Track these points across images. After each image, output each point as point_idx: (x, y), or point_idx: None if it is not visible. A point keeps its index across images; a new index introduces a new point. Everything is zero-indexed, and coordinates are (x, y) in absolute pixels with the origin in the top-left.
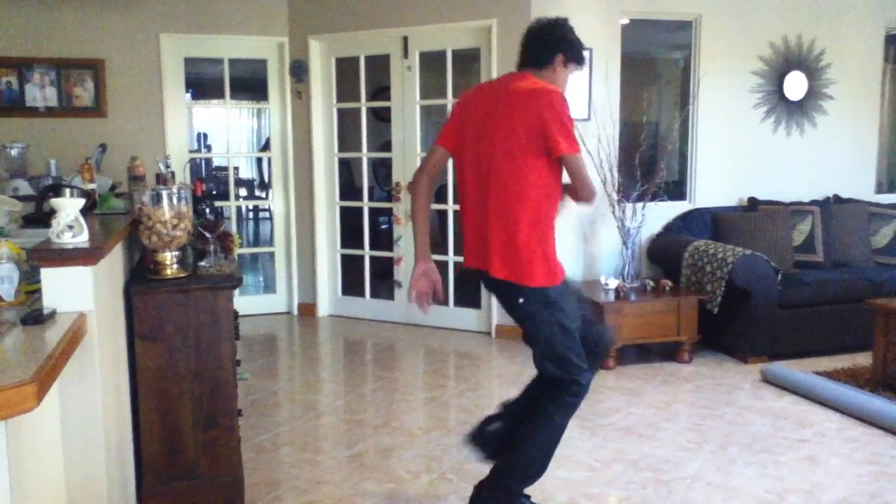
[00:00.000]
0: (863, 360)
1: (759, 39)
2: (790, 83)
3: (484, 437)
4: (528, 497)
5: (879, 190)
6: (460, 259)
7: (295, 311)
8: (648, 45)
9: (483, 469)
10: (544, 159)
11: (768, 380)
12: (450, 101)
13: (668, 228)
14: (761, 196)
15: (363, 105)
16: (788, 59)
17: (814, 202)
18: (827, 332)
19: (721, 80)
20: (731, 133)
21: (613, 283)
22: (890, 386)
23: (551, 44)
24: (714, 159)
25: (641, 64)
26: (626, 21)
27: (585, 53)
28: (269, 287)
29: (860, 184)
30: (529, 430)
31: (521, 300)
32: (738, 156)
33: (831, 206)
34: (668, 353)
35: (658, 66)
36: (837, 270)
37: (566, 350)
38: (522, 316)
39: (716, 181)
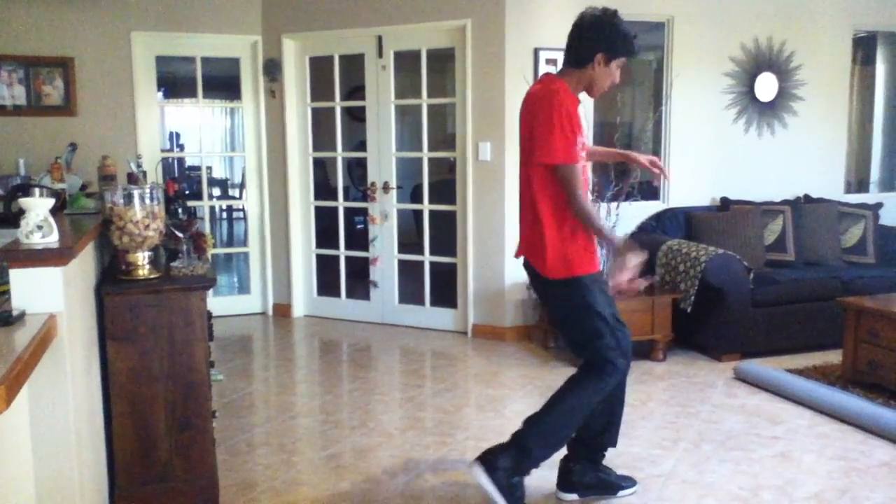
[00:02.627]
0: (833, 357)
1: (731, 41)
2: (761, 84)
3: (571, 476)
4: (522, 479)
5: (848, 190)
6: (435, 259)
7: (270, 312)
8: None
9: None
10: (549, 172)
11: (741, 377)
12: (425, 100)
13: (642, 228)
14: (733, 196)
15: (337, 104)
16: (759, 61)
17: (785, 202)
18: (798, 330)
19: (693, 81)
20: (704, 134)
21: None
22: (859, 383)
23: (590, 41)
24: (687, 160)
25: None
26: None
27: (561, 54)
28: (244, 287)
29: (830, 184)
30: (559, 397)
31: (552, 291)
32: (710, 156)
33: (802, 206)
34: (642, 351)
35: (631, 67)
36: (808, 269)
37: (600, 333)
38: (555, 304)
39: (689, 181)
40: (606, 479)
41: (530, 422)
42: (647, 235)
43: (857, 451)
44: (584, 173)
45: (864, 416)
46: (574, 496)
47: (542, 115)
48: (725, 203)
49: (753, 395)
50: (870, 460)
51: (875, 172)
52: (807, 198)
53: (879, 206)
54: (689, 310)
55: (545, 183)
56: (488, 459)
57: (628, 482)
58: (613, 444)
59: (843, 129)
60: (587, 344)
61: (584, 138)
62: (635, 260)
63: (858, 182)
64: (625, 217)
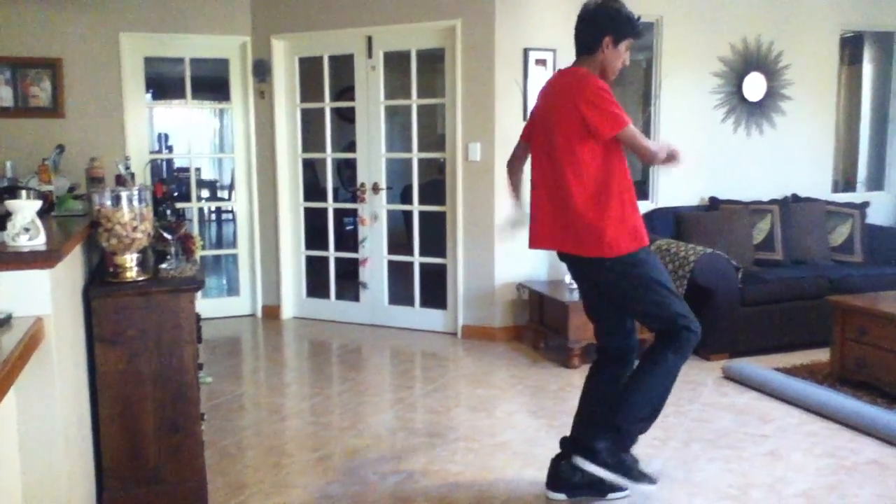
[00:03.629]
0: (821, 355)
1: (720, 41)
2: (749, 84)
3: (561, 476)
4: (636, 460)
5: (836, 189)
6: (425, 260)
7: (259, 314)
8: None
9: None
10: (592, 142)
11: (730, 376)
12: (414, 101)
13: None
14: (722, 195)
15: (327, 105)
16: (748, 61)
17: (773, 201)
18: (787, 329)
19: (682, 81)
20: (693, 133)
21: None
22: (847, 381)
23: (596, 27)
24: None
25: None
26: None
27: (550, 54)
28: (233, 289)
29: (817, 183)
30: (645, 373)
31: (607, 271)
32: (699, 156)
33: (790, 205)
34: None
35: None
36: (796, 268)
37: (667, 303)
38: (612, 285)
39: (678, 181)
40: (594, 479)
41: (618, 402)
42: None
43: (845, 448)
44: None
45: (852, 415)
46: (562, 496)
47: (584, 95)
48: (714, 202)
49: (742, 394)
50: (858, 458)
51: (862, 172)
52: (795, 197)
53: (866, 205)
54: None
55: (595, 160)
56: (585, 447)
57: (620, 484)
58: (644, 431)
59: (831, 128)
60: (660, 315)
61: None
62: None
63: (846, 181)
64: None
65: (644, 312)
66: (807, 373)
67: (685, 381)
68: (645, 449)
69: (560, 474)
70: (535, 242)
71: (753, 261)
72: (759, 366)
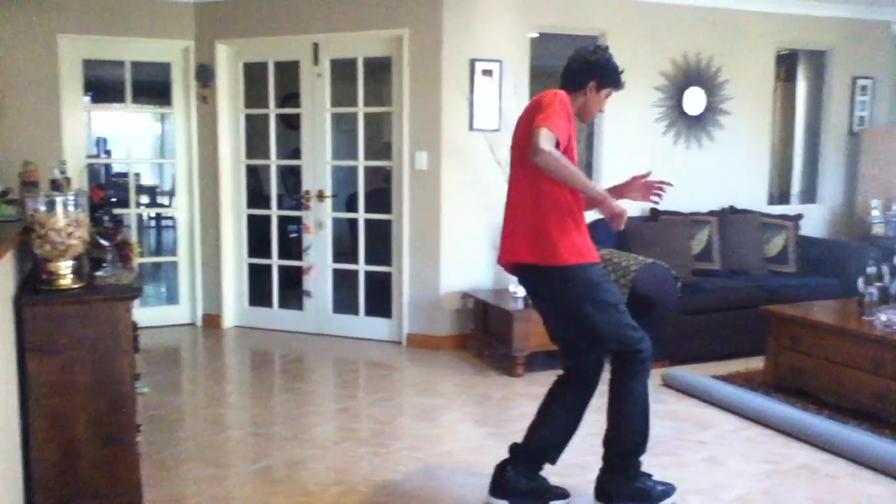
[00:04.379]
0: (757, 363)
1: (661, 56)
2: (689, 98)
3: (505, 482)
4: (649, 476)
5: (771, 201)
6: (370, 268)
7: (199, 323)
8: (557, 58)
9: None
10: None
11: (669, 384)
12: (361, 109)
13: None
14: (663, 207)
15: (272, 111)
16: (688, 76)
17: (711, 213)
18: (724, 338)
19: (625, 94)
20: (635, 145)
21: (522, 292)
22: (782, 388)
23: (585, 70)
24: (618, 171)
25: (550, 77)
26: (535, 35)
27: (497, 65)
28: (172, 297)
29: (753, 195)
30: (620, 411)
31: (560, 284)
32: (640, 167)
33: (727, 217)
34: None
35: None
36: (733, 278)
37: (620, 325)
38: (566, 301)
39: None
40: (539, 488)
41: (610, 442)
42: None
43: (779, 454)
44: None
45: (785, 421)
46: (505, 503)
47: (546, 105)
48: (655, 213)
49: (681, 402)
50: (791, 463)
51: (796, 185)
52: (732, 209)
53: (800, 217)
54: None
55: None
56: (604, 492)
57: (562, 493)
58: (553, 462)
59: (767, 142)
60: (610, 335)
61: (576, 148)
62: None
63: (780, 194)
64: None
65: (595, 331)
66: (743, 380)
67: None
68: (585, 457)
69: (504, 481)
70: (500, 258)
71: (692, 271)
72: (697, 373)
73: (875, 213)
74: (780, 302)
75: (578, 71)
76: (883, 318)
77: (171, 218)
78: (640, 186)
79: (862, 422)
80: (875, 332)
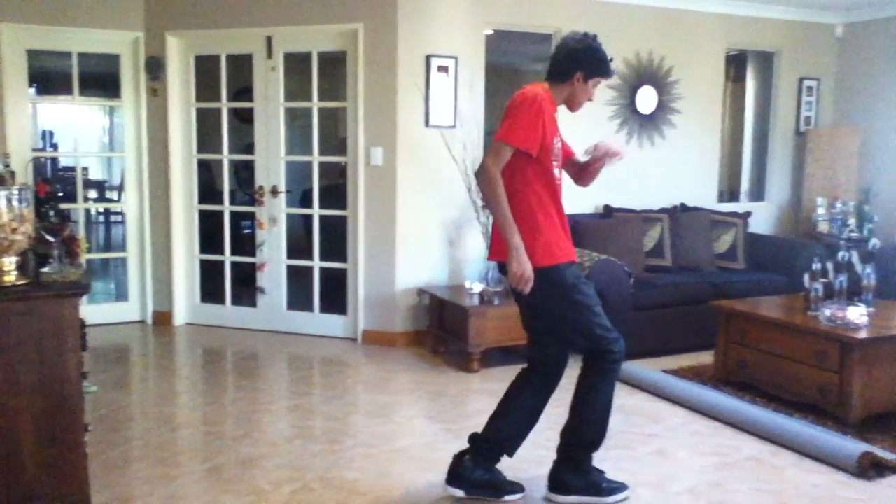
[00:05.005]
0: (707, 358)
1: (614, 55)
2: (642, 97)
3: (462, 471)
4: (601, 472)
5: (721, 199)
6: (325, 264)
7: (149, 320)
8: (512, 56)
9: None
10: (522, 158)
11: (621, 378)
12: (315, 103)
13: None
14: (616, 204)
15: (224, 105)
16: (640, 75)
17: (663, 210)
18: (675, 332)
19: None
20: (589, 142)
21: (478, 288)
22: (730, 382)
23: (572, 61)
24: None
25: (506, 74)
26: (490, 32)
27: (452, 62)
28: (121, 295)
29: (704, 193)
30: (582, 406)
31: (534, 284)
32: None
33: (679, 214)
34: None
35: (521, 77)
36: (684, 274)
37: (592, 324)
38: (539, 300)
39: (574, 189)
40: (494, 481)
41: (567, 434)
42: None
43: (727, 446)
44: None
45: (733, 414)
46: (461, 492)
47: (516, 105)
48: (608, 210)
49: (633, 396)
50: (739, 454)
51: (745, 183)
52: (683, 206)
53: (748, 214)
54: None
55: (525, 175)
56: (555, 483)
57: (516, 488)
58: (511, 454)
59: (717, 141)
60: (582, 334)
61: (557, 146)
62: (523, 271)
63: (730, 192)
64: None
65: (566, 329)
66: (693, 374)
67: (574, 383)
68: (538, 451)
69: (461, 470)
70: (490, 255)
71: (644, 267)
72: (648, 368)
73: (820, 210)
74: (729, 297)
75: (564, 62)
76: (827, 313)
77: (120, 213)
78: (602, 157)
79: (807, 414)
80: (819, 327)
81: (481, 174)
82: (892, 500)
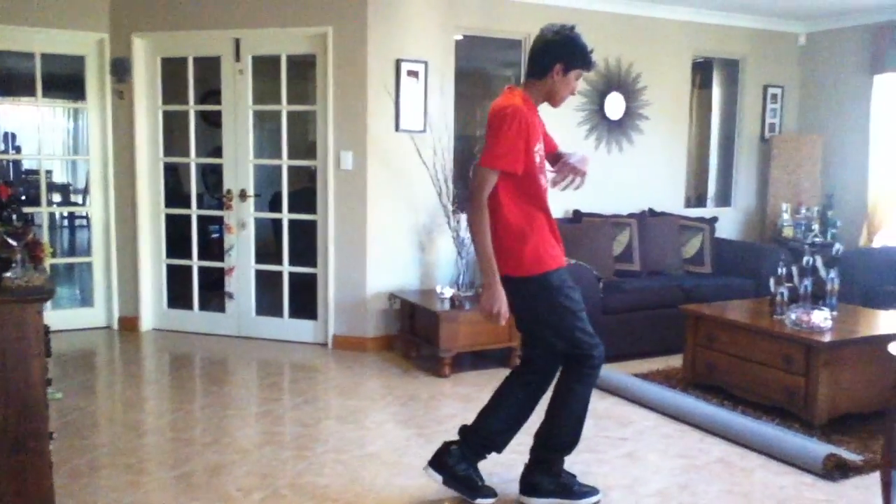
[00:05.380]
0: (676, 361)
1: None
2: (610, 103)
3: (446, 459)
4: (573, 475)
5: (688, 204)
6: (295, 269)
7: (115, 326)
8: (482, 61)
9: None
10: (504, 175)
11: None
12: (284, 107)
13: None
14: (585, 209)
15: (191, 108)
16: (609, 81)
17: (631, 215)
18: (644, 336)
19: None
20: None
21: (449, 292)
22: (698, 385)
23: (549, 54)
24: None
25: (475, 79)
26: (460, 37)
27: (422, 66)
28: (87, 300)
29: (672, 198)
30: (558, 409)
31: (521, 290)
32: None
33: (647, 219)
34: (501, 359)
35: (491, 82)
36: (653, 278)
37: (574, 329)
38: (525, 304)
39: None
40: (473, 479)
41: (541, 436)
42: None
43: (696, 448)
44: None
45: (702, 417)
46: (439, 478)
47: (496, 124)
48: (578, 215)
49: (603, 399)
50: (707, 457)
51: (711, 188)
52: (651, 211)
53: (715, 219)
54: None
55: (508, 188)
56: (528, 485)
57: (489, 492)
58: (500, 451)
59: (684, 147)
60: (562, 338)
61: (541, 152)
62: (491, 307)
63: (697, 197)
64: None
65: (549, 333)
66: (662, 378)
67: (550, 388)
68: (510, 455)
69: (446, 457)
70: None
71: (614, 271)
72: (618, 372)
73: (785, 216)
74: (697, 301)
75: (541, 55)
76: (793, 316)
77: (85, 217)
78: (565, 172)
79: (773, 416)
80: (785, 331)
81: (471, 204)
82: (857, 500)
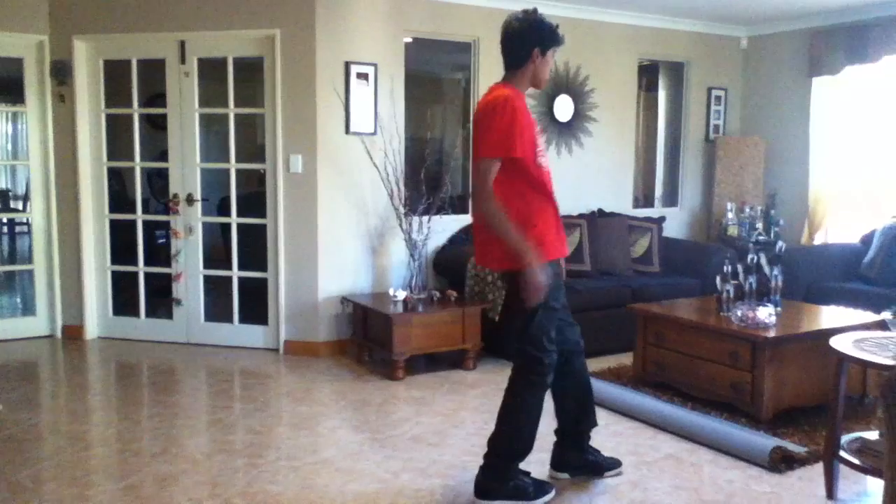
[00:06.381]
0: (626, 360)
1: None
2: (559, 105)
3: (562, 457)
4: (527, 473)
5: (636, 205)
6: (245, 274)
7: (59, 334)
8: (432, 64)
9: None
10: (506, 162)
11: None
12: (232, 110)
13: (453, 241)
14: None
15: (136, 111)
16: (558, 83)
17: (581, 216)
18: (596, 335)
19: None
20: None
21: (402, 295)
22: (648, 382)
23: (524, 42)
24: None
25: (426, 82)
26: (409, 39)
27: (372, 69)
28: (28, 308)
29: (620, 199)
30: (506, 413)
31: (514, 282)
32: None
33: (596, 220)
34: (454, 361)
35: (442, 85)
36: (603, 279)
37: (543, 329)
38: (515, 294)
39: None
40: (594, 461)
41: (491, 441)
42: (457, 248)
43: (646, 445)
44: (548, 173)
45: (652, 414)
46: (566, 475)
47: (488, 115)
48: None
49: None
50: (658, 453)
51: (659, 189)
52: (600, 212)
53: (663, 219)
54: (497, 319)
55: (506, 181)
56: (480, 490)
57: (614, 463)
58: (593, 426)
59: (632, 149)
60: (521, 335)
61: (537, 136)
62: (543, 279)
63: (645, 198)
64: (436, 230)
65: (522, 327)
66: (613, 376)
67: (499, 388)
68: (465, 456)
69: (562, 455)
70: (476, 260)
71: (565, 272)
72: None
73: (730, 215)
74: (646, 301)
75: (517, 45)
76: (738, 313)
77: (25, 223)
78: None
79: (721, 412)
80: (731, 327)
81: (477, 198)
82: (802, 490)
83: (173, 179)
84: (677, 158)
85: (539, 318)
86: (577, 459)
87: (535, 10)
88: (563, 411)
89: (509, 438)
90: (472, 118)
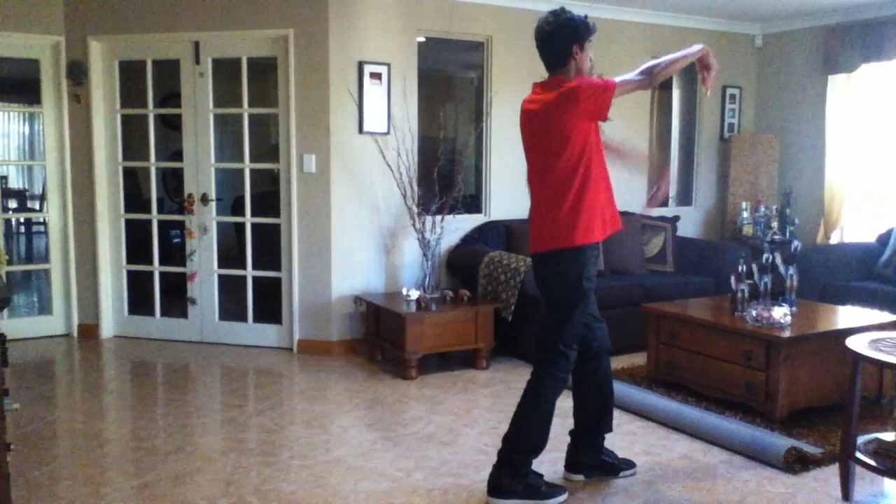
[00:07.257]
0: (639, 359)
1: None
2: None
3: (577, 459)
4: (540, 475)
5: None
6: (259, 273)
7: (74, 333)
8: (445, 63)
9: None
10: (561, 158)
11: None
12: (246, 110)
13: (466, 240)
14: None
15: (150, 112)
16: None
17: None
18: (609, 335)
19: (510, 98)
20: (520, 149)
21: (415, 295)
22: (661, 382)
23: (561, 43)
24: (506, 173)
25: (438, 81)
26: (422, 39)
27: (385, 68)
28: (45, 308)
29: (634, 198)
30: (527, 407)
31: (559, 263)
32: (525, 170)
33: None
34: (467, 360)
35: (454, 84)
36: (616, 278)
37: (576, 325)
38: (551, 280)
39: (508, 194)
40: (609, 462)
41: (507, 438)
42: (470, 247)
43: (660, 445)
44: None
45: (665, 413)
46: (580, 476)
47: (564, 101)
48: None
49: (569, 399)
50: (671, 453)
51: (673, 188)
52: None
53: (677, 219)
54: (509, 318)
55: (565, 169)
56: (494, 487)
57: (629, 464)
58: (609, 430)
59: (645, 147)
60: (547, 330)
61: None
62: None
63: None
64: (449, 229)
65: (553, 318)
66: (627, 375)
67: (517, 389)
68: (478, 455)
69: (576, 457)
70: (529, 249)
71: None
72: None
73: (744, 214)
74: (659, 300)
75: (556, 46)
76: (753, 313)
77: (42, 223)
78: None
79: (735, 412)
80: (746, 327)
81: (646, 80)
82: (817, 492)
83: (188, 179)
84: (691, 157)
85: (577, 315)
86: (592, 460)
87: (562, 10)
88: (584, 409)
89: (528, 433)
90: (528, 118)
